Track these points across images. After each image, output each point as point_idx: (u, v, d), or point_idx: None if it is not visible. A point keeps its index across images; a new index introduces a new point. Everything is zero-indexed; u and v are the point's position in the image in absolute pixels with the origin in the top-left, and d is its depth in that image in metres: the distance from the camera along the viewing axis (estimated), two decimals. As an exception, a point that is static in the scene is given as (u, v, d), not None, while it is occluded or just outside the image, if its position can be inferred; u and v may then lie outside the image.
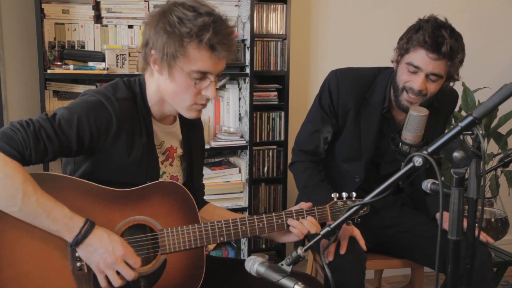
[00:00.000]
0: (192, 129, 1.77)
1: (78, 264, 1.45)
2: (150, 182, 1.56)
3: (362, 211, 1.78)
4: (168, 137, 1.68)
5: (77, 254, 1.44)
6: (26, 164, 1.40)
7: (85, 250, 1.42)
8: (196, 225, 1.57)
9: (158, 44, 1.46)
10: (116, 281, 1.44)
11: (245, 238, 2.86)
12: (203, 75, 1.50)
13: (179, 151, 1.72)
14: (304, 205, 1.72)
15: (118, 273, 1.44)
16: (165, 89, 1.54)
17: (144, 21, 1.55)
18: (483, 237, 2.00)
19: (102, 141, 1.49)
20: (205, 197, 1.92)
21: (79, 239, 1.40)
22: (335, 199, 1.75)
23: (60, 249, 1.44)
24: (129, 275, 1.44)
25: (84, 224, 1.41)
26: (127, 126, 1.51)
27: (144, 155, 1.56)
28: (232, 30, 1.52)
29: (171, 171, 1.70)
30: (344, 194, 1.76)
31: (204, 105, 1.57)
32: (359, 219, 1.80)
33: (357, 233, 1.89)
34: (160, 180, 1.62)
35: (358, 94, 2.11)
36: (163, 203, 1.55)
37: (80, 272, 1.45)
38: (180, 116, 1.72)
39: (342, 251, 1.86)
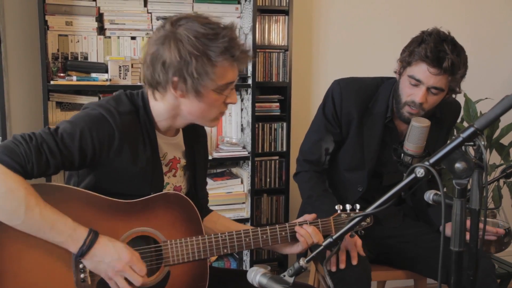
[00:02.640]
0: (196, 138, 1.77)
1: (82, 275, 1.45)
2: (154, 194, 1.56)
3: (365, 223, 1.79)
4: (171, 149, 1.68)
5: (81, 266, 1.44)
6: (28, 177, 1.40)
7: (91, 260, 1.42)
8: (200, 237, 1.57)
9: (186, 70, 1.44)
10: (125, 287, 1.45)
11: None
12: (228, 85, 1.52)
13: (183, 161, 1.71)
14: (308, 217, 1.73)
15: (126, 279, 1.46)
16: (189, 110, 1.53)
17: (153, 43, 1.48)
18: (492, 231, 1.98)
19: (105, 155, 1.48)
20: (208, 208, 1.92)
21: (84, 250, 1.40)
22: (338, 211, 1.76)
23: (64, 261, 1.44)
24: (137, 281, 1.45)
25: (88, 234, 1.41)
26: (129, 139, 1.51)
27: (148, 168, 1.56)
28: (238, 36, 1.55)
29: (174, 181, 1.70)
30: (348, 206, 1.77)
31: (224, 112, 1.60)
32: (362, 231, 1.80)
33: (358, 242, 1.90)
34: (164, 191, 1.61)
35: (361, 104, 2.12)
36: (167, 214, 1.55)
37: (83, 284, 1.45)
38: (184, 128, 1.72)
39: (354, 261, 1.86)
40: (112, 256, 1.42)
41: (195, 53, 1.42)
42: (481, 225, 1.25)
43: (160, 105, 1.56)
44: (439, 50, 1.88)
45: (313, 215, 1.73)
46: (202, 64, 1.43)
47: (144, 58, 1.52)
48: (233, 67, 1.49)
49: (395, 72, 2.08)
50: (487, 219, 2.49)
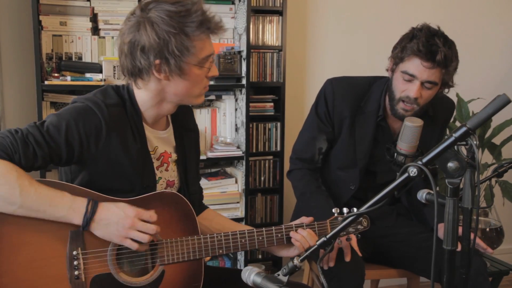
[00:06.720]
0: (186, 132, 1.76)
1: (76, 272, 1.45)
2: (146, 187, 1.56)
3: (362, 226, 1.79)
4: (161, 143, 1.67)
5: (75, 263, 1.44)
6: None
7: (99, 225, 1.43)
8: (195, 237, 1.57)
9: (166, 50, 1.45)
10: (143, 238, 1.45)
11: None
12: (208, 58, 1.53)
13: (174, 155, 1.71)
14: (305, 219, 1.73)
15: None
16: (174, 91, 1.54)
17: (127, 31, 1.48)
18: (482, 246, 2.00)
19: (93, 147, 1.49)
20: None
21: (89, 217, 1.41)
22: (335, 214, 1.76)
23: (59, 257, 1.44)
24: (151, 229, 1.46)
25: (88, 202, 1.42)
26: (117, 131, 1.52)
27: (138, 160, 1.56)
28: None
29: (167, 176, 1.69)
30: (345, 210, 1.77)
31: (208, 87, 1.60)
32: (359, 235, 1.81)
33: (353, 240, 1.91)
34: (161, 190, 1.62)
35: (353, 102, 2.13)
36: (163, 213, 1.56)
37: (77, 281, 1.45)
38: (173, 121, 1.73)
39: (347, 258, 1.88)
40: (118, 215, 1.43)
41: (172, 31, 1.44)
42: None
43: (144, 94, 1.57)
44: (431, 44, 1.90)
45: (310, 218, 1.73)
46: (181, 40, 1.45)
47: (120, 49, 1.52)
48: (209, 39, 1.52)
49: (387, 69, 2.10)
50: (479, 217, 2.51)
